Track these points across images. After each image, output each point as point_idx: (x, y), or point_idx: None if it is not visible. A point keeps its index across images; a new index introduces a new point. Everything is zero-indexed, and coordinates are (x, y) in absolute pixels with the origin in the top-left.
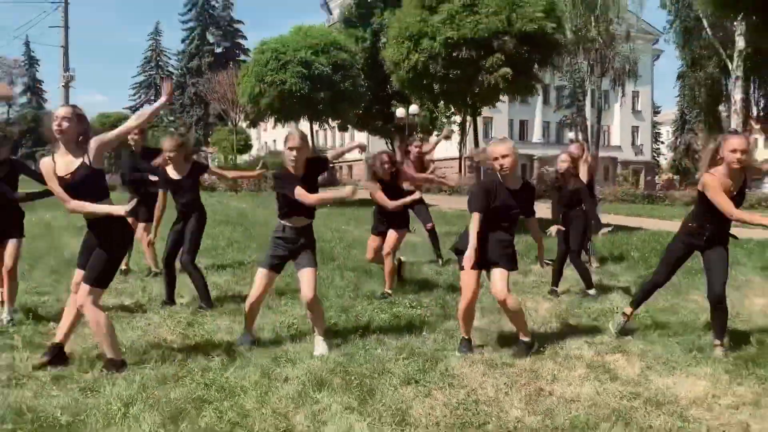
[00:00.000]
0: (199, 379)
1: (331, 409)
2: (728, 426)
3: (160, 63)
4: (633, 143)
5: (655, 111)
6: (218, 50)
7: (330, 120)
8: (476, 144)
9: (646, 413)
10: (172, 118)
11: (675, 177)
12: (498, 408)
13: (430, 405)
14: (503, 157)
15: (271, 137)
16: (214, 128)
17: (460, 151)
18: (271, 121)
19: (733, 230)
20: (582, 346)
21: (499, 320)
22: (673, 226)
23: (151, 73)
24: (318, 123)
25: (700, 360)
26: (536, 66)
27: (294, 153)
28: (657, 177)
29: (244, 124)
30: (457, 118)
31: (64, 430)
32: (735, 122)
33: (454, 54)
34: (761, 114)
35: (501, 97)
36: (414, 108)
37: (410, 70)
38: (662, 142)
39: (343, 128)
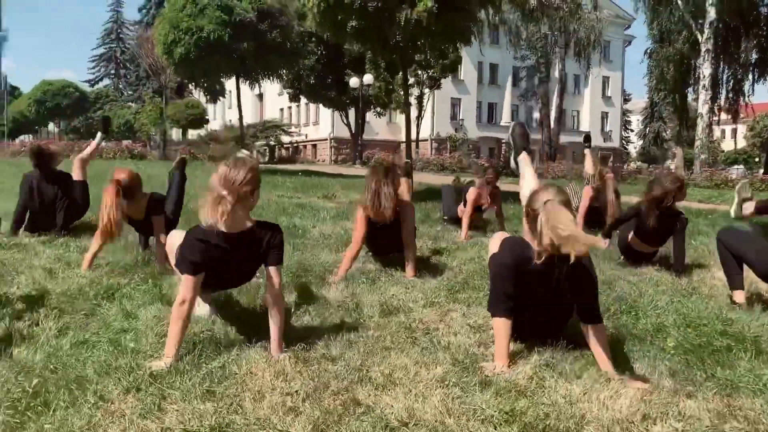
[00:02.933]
0: None
1: None
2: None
3: (121, 35)
4: (602, 129)
5: (626, 98)
6: None
7: (260, 77)
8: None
9: None
10: (130, 92)
11: (643, 165)
12: None
13: None
14: None
15: (235, 115)
16: (171, 102)
17: (417, 129)
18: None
19: None
20: None
21: None
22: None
23: (112, 45)
24: (247, 81)
25: None
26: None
27: None
28: (625, 165)
29: (203, 99)
30: (415, 91)
31: None
32: (703, 98)
33: None
34: (729, 93)
35: (431, 44)
36: (368, 78)
37: (322, 2)
38: (632, 131)
39: (294, 98)
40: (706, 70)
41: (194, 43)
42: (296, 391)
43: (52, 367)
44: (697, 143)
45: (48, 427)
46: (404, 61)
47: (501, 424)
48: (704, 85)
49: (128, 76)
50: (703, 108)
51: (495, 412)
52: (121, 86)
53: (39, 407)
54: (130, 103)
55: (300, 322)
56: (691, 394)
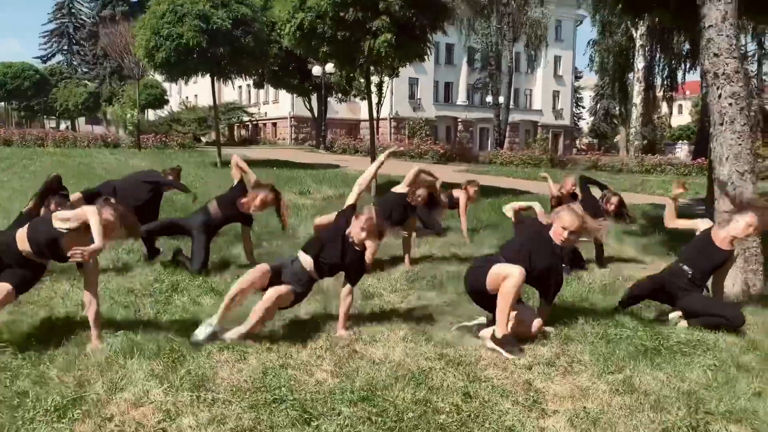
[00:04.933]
0: None
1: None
2: (514, 384)
3: (72, 10)
4: (554, 108)
5: (577, 76)
6: None
7: (233, 76)
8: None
9: (443, 373)
10: (86, 70)
11: (594, 141)
12: (306, 372)
13: (238, 369)
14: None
15: (192, 92)
16: (128, 81)
17: (378, 112)
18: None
19: None
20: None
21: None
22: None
23: (63, 21)
24: (221, 80)
25: None
26: (426, 29)
27: None
28: (577, 141)
29: (159, 78)
30: (375, 78)
31: None
32: (638, 88)
33: (341, 14)
34: (665, 82)
35: (391, 62)
36: (330, 66)
37: (297, 29)
38: (583, 107)
39: (258, 85)
40: (640, 63)
41: (174, 48)
42: (320, 346)
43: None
44: (631, 131)
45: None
46: (368, 73)
47: (436, 359)
48: (638, 78)
49: (84, 54)
50: (637, 98)
51: (432, 354)
52: (75, 63)
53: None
54: (86, 81)
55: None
56: (544, 344)
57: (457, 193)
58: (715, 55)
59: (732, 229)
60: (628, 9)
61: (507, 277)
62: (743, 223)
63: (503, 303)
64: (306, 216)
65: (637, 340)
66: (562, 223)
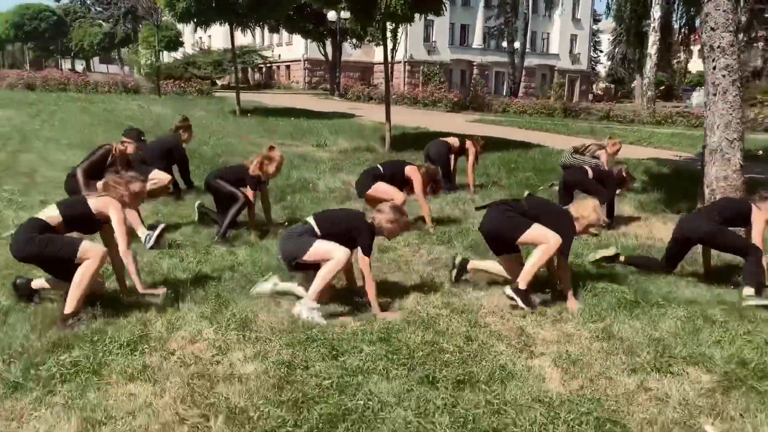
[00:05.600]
0: None
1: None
2: (509, 329)
3: None
4: (571, 52)
5: (596, 19)
6: None
7: (252, 24)
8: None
9: (448, 319)
10: (99, 9)
11: (611, 86)
12: (332, 317)
13: (275, 312)
14: None
15: (206, 33)
16: (143, 23)
17: (392, 57)
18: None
19: None
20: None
21: None
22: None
23: None
24: (240, 29)
25: None
26: None
27: None
28: (594, 86)
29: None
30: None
31: None
32: (653, 39)
33: None
34: (683, 29)
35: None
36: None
37: None
38: (601, 51)
39: (273, 29)
40: (656, 12)
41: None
42: (342, 295)
43: None
44: (645, 81)
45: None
46: (384, 26)
47: (443, 307)
48: (653, 27)
49: None
50: (651, 48)
51: (439, 303)
52: (88, 2)
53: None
54: (100, 22)
55: None
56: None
57: (467, 144)
58: (712, 29)
59: None
60: None
61: (550, 241)
62: None
63: (537, 260)
64: (324, 170)
65: (620, 294)
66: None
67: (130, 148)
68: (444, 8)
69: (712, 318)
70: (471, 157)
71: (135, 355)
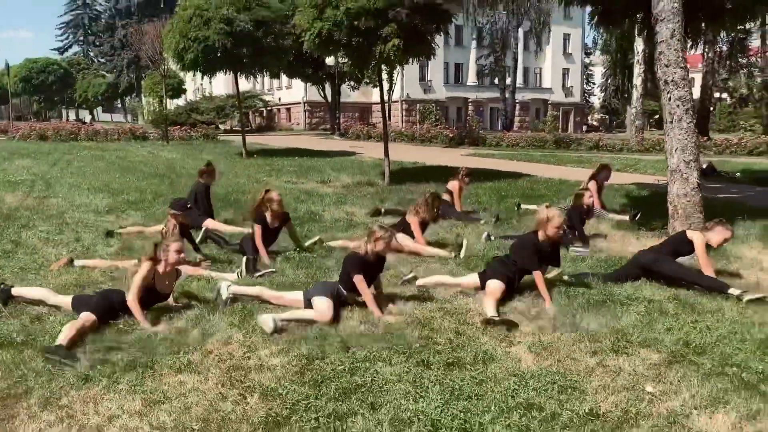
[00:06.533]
0: None
1: None
2: (496, 329)
3: (87, 1)
4: (563, 85)
5: (587, 52)
6: None
7: (255, 73)
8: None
9: (441, 320)
10: (102, 61)
11: (605, 117)
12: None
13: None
14: None
15: (207, 80)
16: (146, 72)
17: (389, 96)
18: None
19: None
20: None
21: None
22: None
23: (79, 12)
24: (244, 76)
25: None
26: (431, 33)
27: None
28: (588, 117)
29: (176, 67)
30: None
31: None
32: (637, 71)
33: (355, 23)
34: None
35: (401, 61)
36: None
37: (316, 36)
38: (594, 83)
39: (274, 75)
40: (639, 45)
41: (201, 50)
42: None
43: None
44: (632, 111)
45: None
46: (380, 69)
47: (437, 311)
48: (638, 60)
49: (101, 45)
50: (637, 80)
51: (434, 308)
52: (91, 54)
53: None
54: (104, 73)
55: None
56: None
57: (451, 184)
58: (666, 65)
59: None
60: (601, 22)
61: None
62: None
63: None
64: (329, 203)
65: (589, 296)
66: (555, 224)
67: (180, 219)
68: (434, 52)
69: (666, 311)
70: (456, 191)
71: (179, 355)
